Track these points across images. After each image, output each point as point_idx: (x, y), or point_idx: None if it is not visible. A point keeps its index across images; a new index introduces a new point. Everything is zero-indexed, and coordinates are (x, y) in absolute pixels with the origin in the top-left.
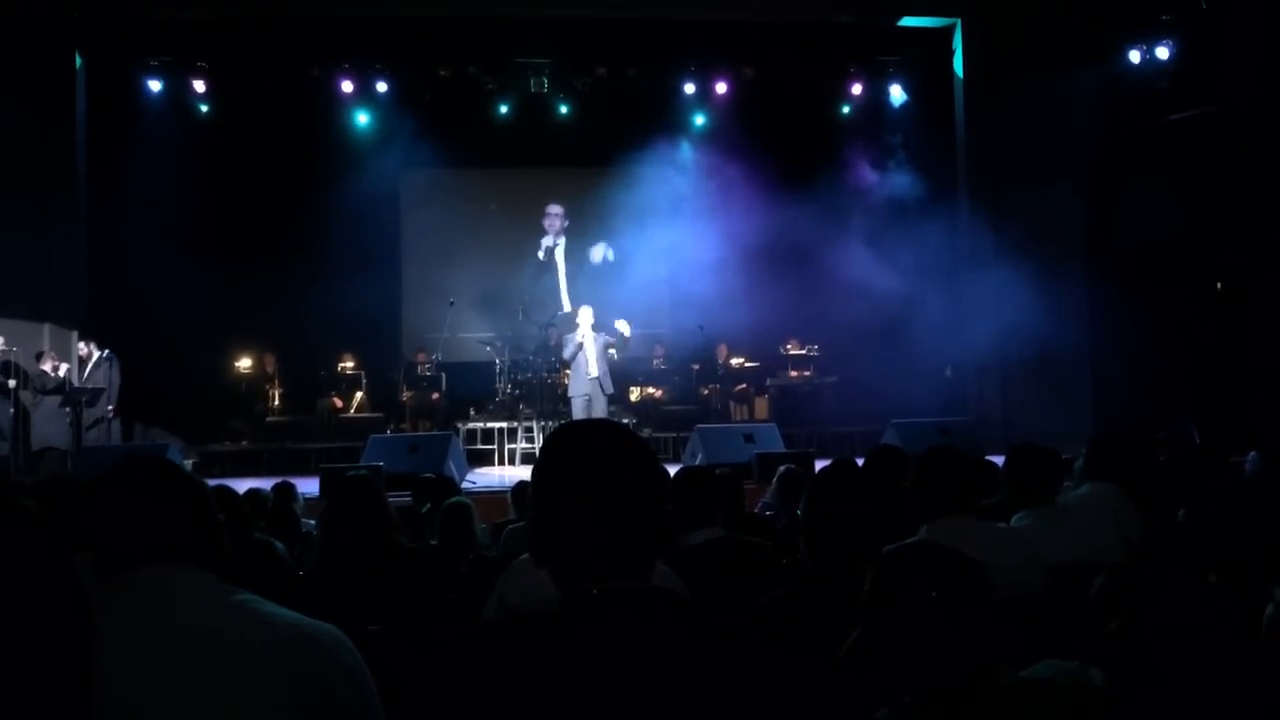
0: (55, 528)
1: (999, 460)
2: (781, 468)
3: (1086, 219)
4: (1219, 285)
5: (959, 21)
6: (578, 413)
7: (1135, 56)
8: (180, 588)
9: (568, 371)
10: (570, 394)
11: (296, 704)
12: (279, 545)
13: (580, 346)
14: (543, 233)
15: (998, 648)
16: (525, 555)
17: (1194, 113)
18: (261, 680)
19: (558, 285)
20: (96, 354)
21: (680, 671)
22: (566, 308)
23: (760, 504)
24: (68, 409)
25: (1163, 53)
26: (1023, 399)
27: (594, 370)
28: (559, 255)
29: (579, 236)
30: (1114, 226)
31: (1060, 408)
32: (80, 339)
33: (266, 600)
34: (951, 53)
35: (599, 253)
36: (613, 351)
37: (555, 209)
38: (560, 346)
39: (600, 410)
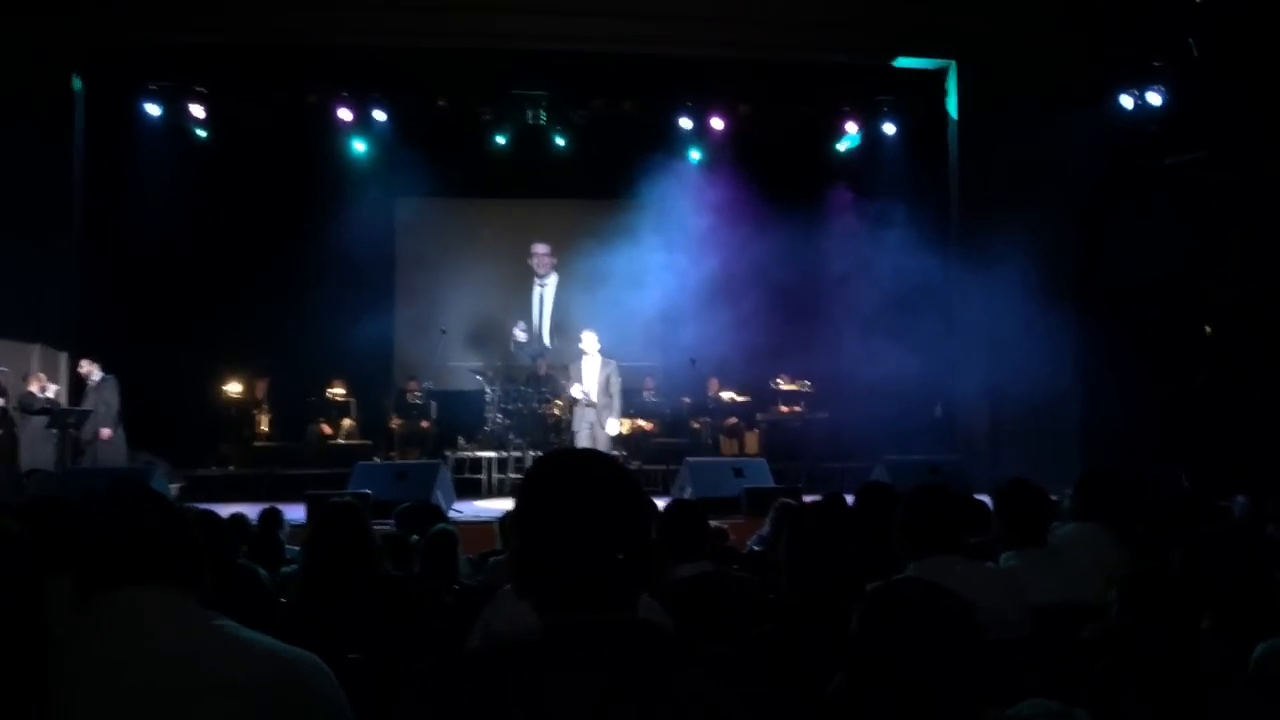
0: (38, 548)
1: (987, 499)
2: (778, 501)
3: (1078, 261)
4: (1208, 329)
5: (954, 64)
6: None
7: (1128, 101)
8: (156, 610)
9: (558, 402)
10: (574, 428)
11: None
12: (262, 572)
13: (578, 376)
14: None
15: (985, 687)
16: (510, 585)
17: (1185, 158)
18: (236, 706)
19: (543, 323)
20: (97, 375)
21: (661, 705)
22: (548, 343)
23: (754, 538)
24: (55, 431)
25: (1155, 98)
26: (1012, 438)
27: (593, 397)
28: (547, 295)
29: (574, 268)
30: (1105, 269)
31: (1049, 448)
32: (80, 359)
33: (245, 627)
34: (945, 94)
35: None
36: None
37: (541, 248)
38: (550, 379)
39: (602, 447)
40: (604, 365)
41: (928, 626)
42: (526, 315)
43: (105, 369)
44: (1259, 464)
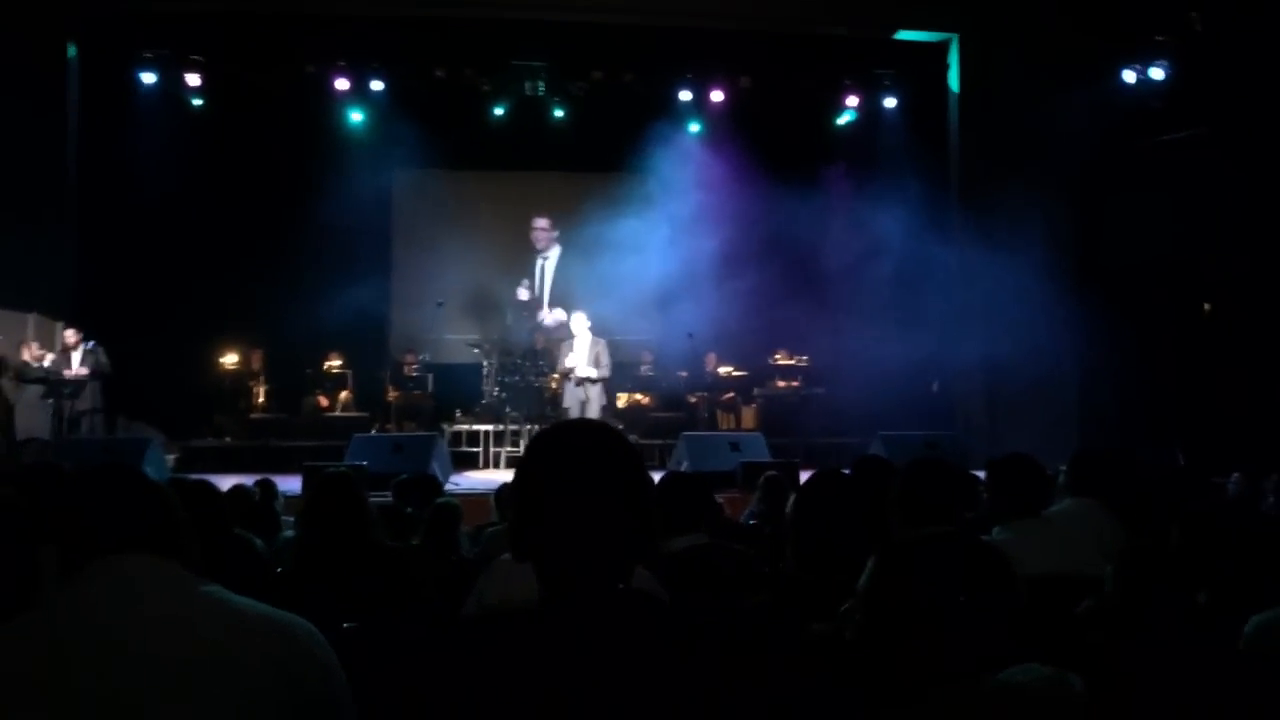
0: (33, 517)
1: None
2: (765, 475)
3: (1077, 237)
4: (1206, 307)
5: (955, 37)
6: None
7: (1130, 76)
8: (145, 576)
9: (555, 376)
10: (564, 404)
11: (264, 693)
12: (258, 542)
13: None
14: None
15: (1010, 644)
16: (505, 555)
17: (1186, 134)
18: (230, 670)
19: (543, 296)
20: (84, 345)
21: (654, 674)
22: (546, 318)
23: (746, 512)
24: (50, 400)
25: (1157, 73)
26: (1010, 414)
27: (581, 371)
28: (548, 268)
29: (572, 241)
30: (1104, 245)
31: (1047, 424)
32: (66, 328)
33: (235, 594)
34: (947, 68)
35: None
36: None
37: (540, 223)
38: (547, 352)
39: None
40: (593, 344)
41: (961, 577)
42: (529, 282)
43: (93, 338)
44: (1254, 442)
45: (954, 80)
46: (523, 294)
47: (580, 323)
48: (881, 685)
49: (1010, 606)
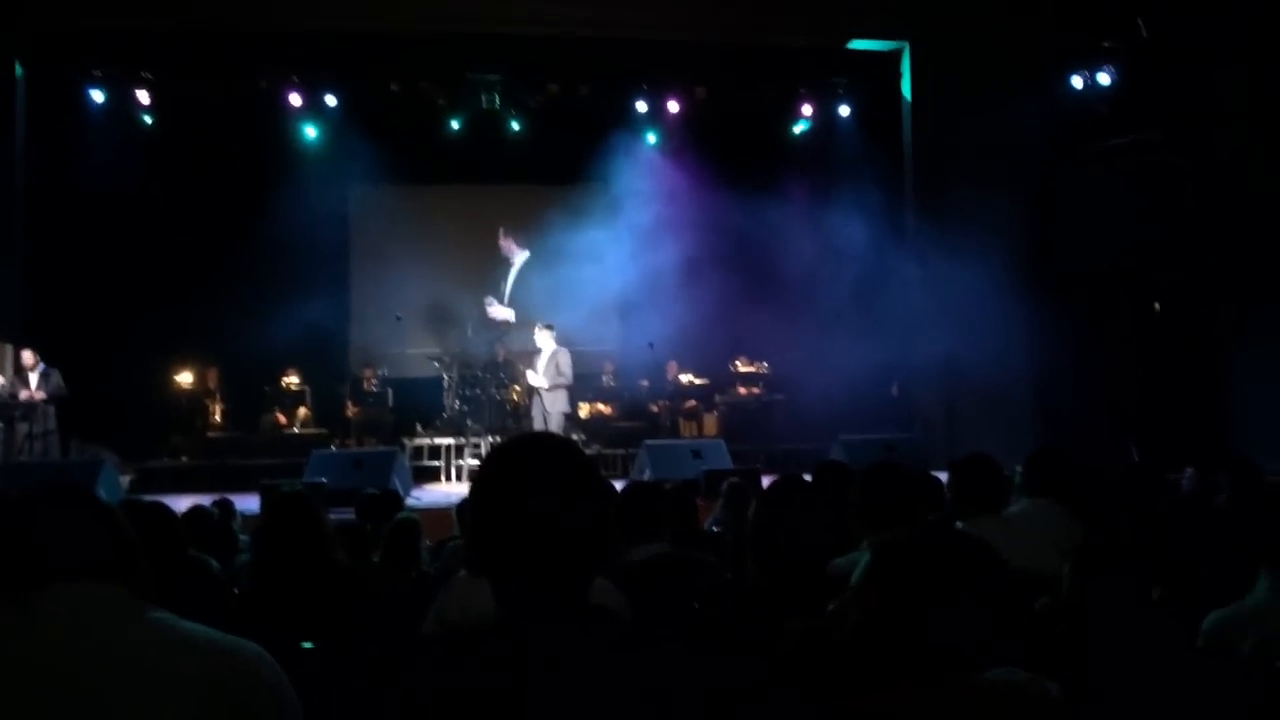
0: None
1: (944, 476)
2: (726, 483)
3: (1031, 240)
4: (1157, 306)
5: (907, 45)
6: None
7: (1078, 82)
8: (90, 606)
9: (516, 388)
10: (532, 414)
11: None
12: (213, 563)
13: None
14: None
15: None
16: (464, 572)
17: (1133, 138)
18: (179, 699)
19: (503, 299)
20: (40, 367)
21: (612, 689)
22: (495, 311)
23: (710, 520)
24: (0, 424)
25: (1104, 79)
26: (968, 416)
27: (540, 382)
28: (510, 274)
29: (531, 252)
30: (1057, 247)
31: (1004, 425)
32: (22, 349)
33: (184, 619)
34: (899, 76)
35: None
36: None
37: (501, 232)
38: (509, 364)
39: (554, 428)
40: (553, 355)
41: (955, 572)
42: (495, 293)
43: (45, 360)
44: (1206, 437)
45: (906, 88)
46: (490, 308)
47: (544, 338)
48: (874, 682)
49: (1002, 599)
